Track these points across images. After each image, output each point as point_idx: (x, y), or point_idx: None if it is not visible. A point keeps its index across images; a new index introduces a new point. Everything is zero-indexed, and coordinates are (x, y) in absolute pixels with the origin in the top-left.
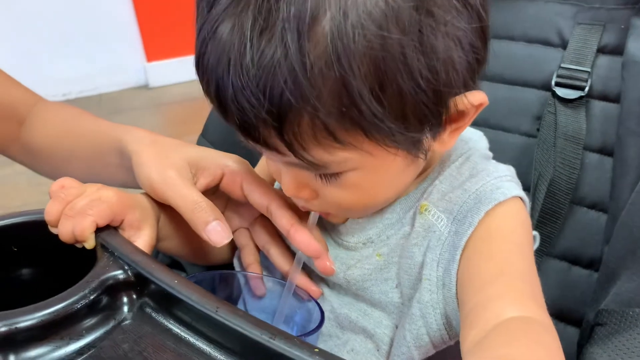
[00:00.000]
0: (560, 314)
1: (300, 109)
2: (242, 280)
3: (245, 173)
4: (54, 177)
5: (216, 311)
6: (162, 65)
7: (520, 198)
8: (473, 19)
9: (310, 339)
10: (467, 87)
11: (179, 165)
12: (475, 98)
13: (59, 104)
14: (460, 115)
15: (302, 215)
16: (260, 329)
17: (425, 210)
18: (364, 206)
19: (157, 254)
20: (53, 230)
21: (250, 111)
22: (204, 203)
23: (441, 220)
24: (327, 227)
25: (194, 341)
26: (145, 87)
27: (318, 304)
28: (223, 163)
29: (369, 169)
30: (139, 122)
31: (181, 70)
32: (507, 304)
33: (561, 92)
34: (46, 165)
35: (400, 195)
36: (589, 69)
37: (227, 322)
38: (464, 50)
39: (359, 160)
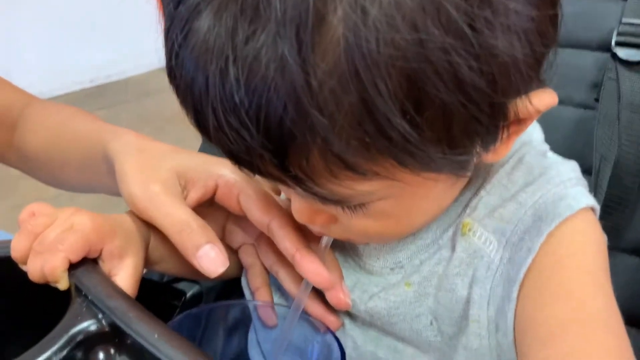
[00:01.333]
0: (633, 317)
1: (307, 144)
2: (250, 310)
3: (242, 184)
4: (52, 184)
5: None
6: None
7: (591, 207)
8: (544, 1)
9: None
10: (532, 88)
11: (166, 178)
12: (543, 101)
13: (52, 104)
14: (521, 120)
15: (310, 234)
16: None
17: (469, 230)
18: (396, 234)
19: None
20: (23, 267)
21: (241, 144)
22: (194, 223)
23: (490, 243)
24: (346, 245)
25: None
26: None
27: (337, 338)
28: (216, 173)
29: (402, 196)
30: (167, 104)
31: None
32: None
33: (623, 53)
34: (42, 172)
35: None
36: None
37: None
38: (531, 44)
39: (389, 190)
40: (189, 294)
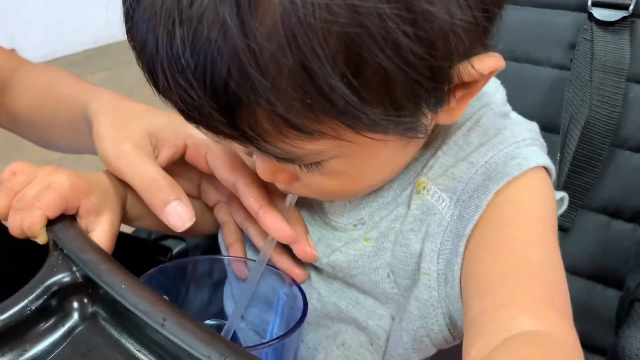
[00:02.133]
0: (599, 274)
1: (251, 104)
2: (224, 264)
3: (210, 144)
4: (41, 144)
5: (162, 324)
6: None
7: (544, 167)
8: None
9: (293, 336)
10: (474, 53)
11: (137, 137)
12: (486, 65)
13: (40, 67)
14: (468, 84)
15: (276, 192)
16: (209, 348)
17: (424, 188)
18: (354, 192)
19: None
20: (4, 223)
21: (190, 103)
22: (163, 181)
23: (442, 201)
24: (313, 203)
25: (143, 358)
26: None
27: (301, 290)
28: (186, 133)
29: (353, 155)
30: None
31: None
32: (519, 314)
33: (599, 13)
34: (31, 132)
35: (399, 173)
36: None
37: (173, 338)
38: (471, 9)
39: (339, 149)
40: (175, 251)
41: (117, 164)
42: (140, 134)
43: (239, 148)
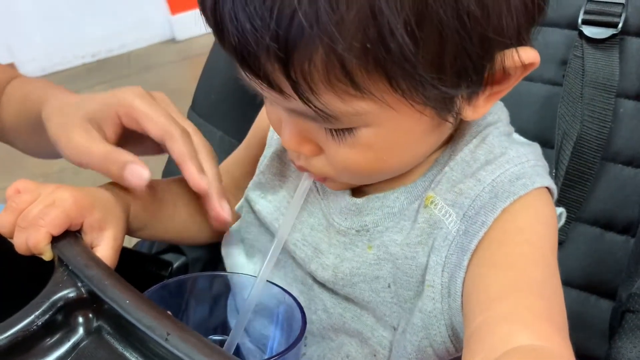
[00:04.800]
0: (592, 285)
1: (314, 38)
2: (224, 280)
3: (135, 103)
4: (28, 153)
5: (166, 338)
6: (187, 17)
7: (547, 188)
8: None
9: (293, 352)
10: (520, 40)
11: (80, 126)
12: (528, 55)
13: (28, 80)
14: (505, 76)
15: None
16: None
17: (432, 202)
18: (374, 171)
19: (153, 242)
20: (11, 240)
21: (252, 34)
22: (114, 151)
23: (449, 215)
24: (321, 206)
25: None
26: (172, 40)
27: (298, 304)
28: (115, 102)
29: (388, 127)
30: (169, 77)
31: None
32: (517, 329)
33: (589, 31)
34: (18, 142)
35: (416, 164)
36: (623, 1)
37: (177, 352)
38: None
39: (377, 115)
40: (175, 265)
41: (73, 155)
42: (81, 122)
43: (273, 111)
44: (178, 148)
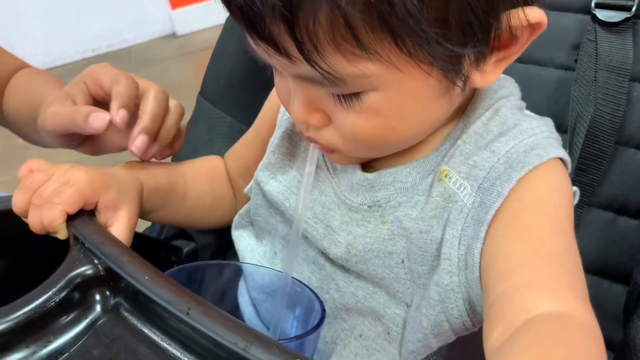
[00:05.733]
0: (606, 270)
1: None
2: (244, 268)
3: (97, 69)
4: (31, 142)
5: (187, 313)
6: (187, 11)
7: (561, 159)
8: None
9: (310, 338)
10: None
11: (58, 100)
12: (534, 14)
13: (37, 73)
14: (512, 39)
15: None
16: (234, 335)
17: (446, 176)
18: (383, 140)
19: (163, 226)
20: (25, 220)
21: None
22: (79, 108)
23: (464, 188)
24: (332, 184)
25: (167, 346)
26: (173, 35)
27: (317, 296)
28: (84, 74)
29: (395, 90)
30: (170, 73)
31: (207, 15)
32: (540, 296)
33: (602, 14)
34: (21, 132)
35: (426, 135)
36: None
37: (199, 326)
38: None
39: (384, 77)
40: (185, 250)
41: (49, 123)
42: (59, 99)
43: (282, 83)
44: (116, 89)
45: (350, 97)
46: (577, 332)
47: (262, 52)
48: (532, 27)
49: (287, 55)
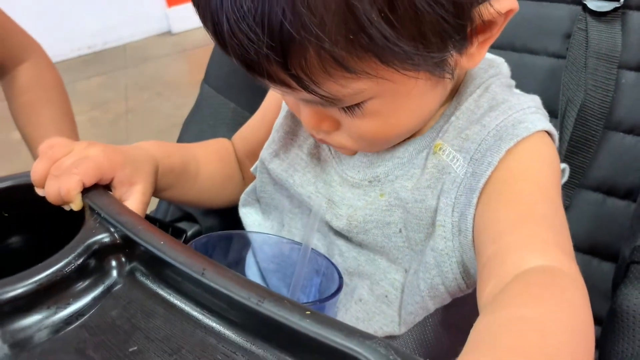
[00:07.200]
0: (595, 249)
1: (303, 41)
2: (253, 240)
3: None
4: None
5: (202, 273)
6: (183, 9)
7: (547, 132)
8: None
9: (329, 303)
10: None
11: None
12: (503, 5)
13: (42, 69)
14: (488, 25)
15: None
16: (248, 292)
17: (440, 149)
18: (388, 135)
19: (169, 206)
20: (39, 191)
21: (250, 47)
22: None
23: (457, 160)
24: (333, 164)
25: (183, 306)
26: (169, 33)
27: (336, 267)
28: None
29: (389, 95)
30: (165, 70)
31: None
32: (529, 253)
33: (593, 4)
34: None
35: (426, 122)
36: None
37: (214, 285)
38: None
39: (376, 89)
40: (189, 232)
41: None
42: None
43: (289, 98)
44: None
45: (352, 107)
46: (565, 282)
47: (262, 82)
48: (506, 14)
49: (287, 86)
